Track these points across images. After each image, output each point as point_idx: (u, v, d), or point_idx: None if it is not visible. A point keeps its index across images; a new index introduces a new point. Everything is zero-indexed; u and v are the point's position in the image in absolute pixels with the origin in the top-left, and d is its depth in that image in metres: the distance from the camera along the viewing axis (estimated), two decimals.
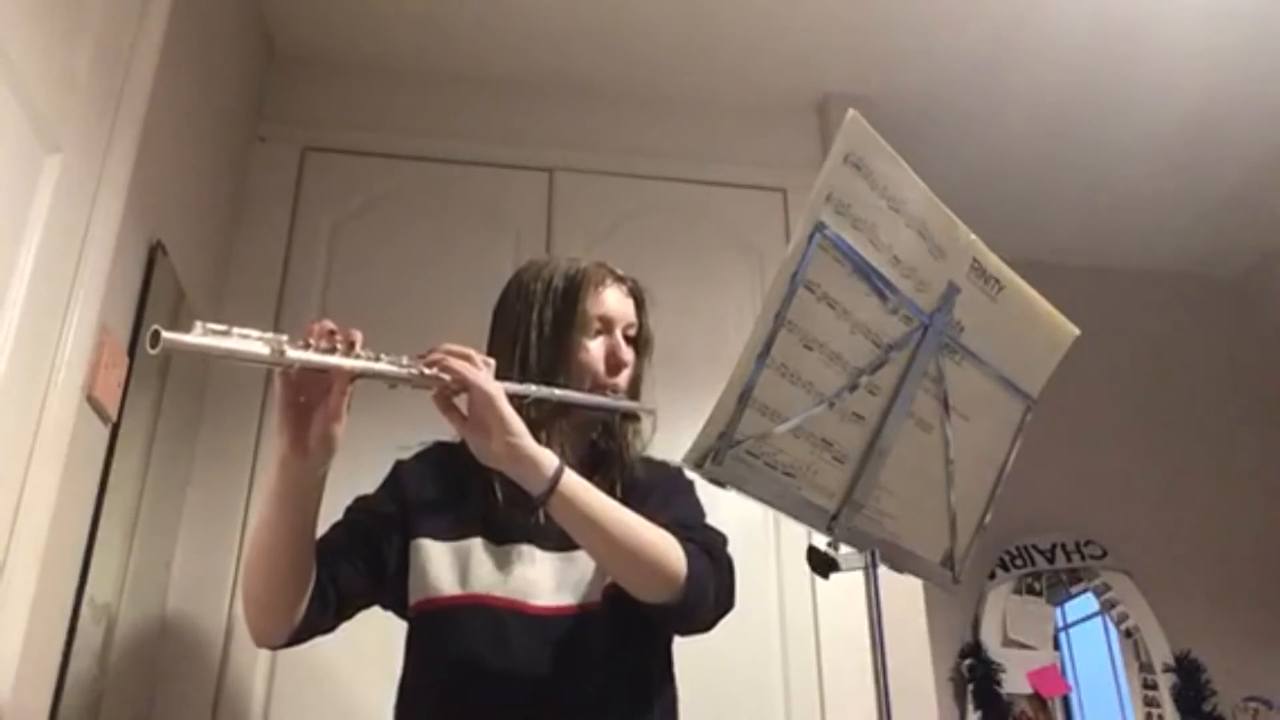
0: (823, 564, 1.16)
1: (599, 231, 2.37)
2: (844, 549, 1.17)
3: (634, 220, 2.41)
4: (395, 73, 2.45)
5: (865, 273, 1.12)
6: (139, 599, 1.74)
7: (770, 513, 1.92)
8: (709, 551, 1.18)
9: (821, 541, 1.17)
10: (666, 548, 1.12)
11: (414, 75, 2.46)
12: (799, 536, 1.27)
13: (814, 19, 2.34)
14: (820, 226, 1.07)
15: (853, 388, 1.14)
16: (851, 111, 1.10)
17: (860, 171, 1.10)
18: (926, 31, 2.38)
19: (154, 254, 1.69)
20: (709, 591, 1.16)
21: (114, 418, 1.56)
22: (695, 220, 2.45)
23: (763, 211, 2.48)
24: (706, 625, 1.20)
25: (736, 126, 2.57)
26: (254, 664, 1.89)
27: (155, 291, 1.68)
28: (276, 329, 2.33)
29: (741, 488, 1.07)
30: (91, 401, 1.47)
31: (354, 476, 1.31)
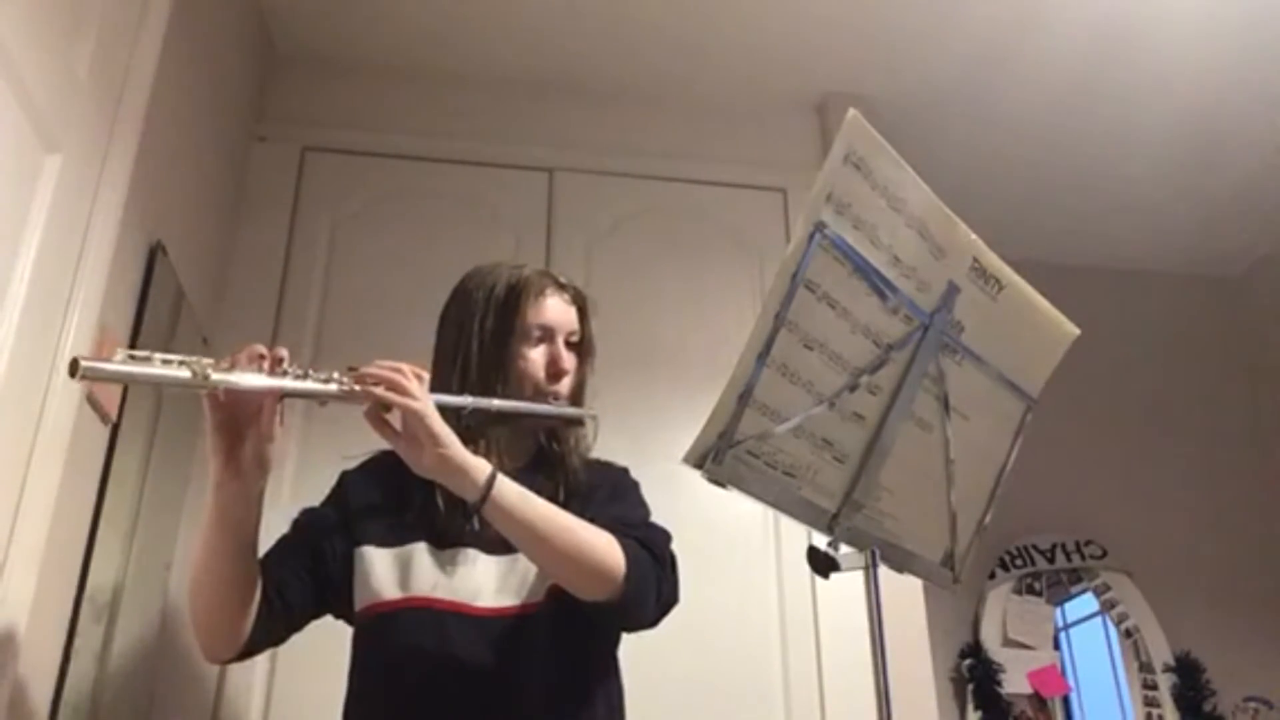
0: (823, 564, 1.16)
1: (599, 231, 2.37)
2: (844, 549, 1.17)
3: (634, 220, 2.41)
4: (395, 73, 2.45)
5: (865, 272, 1.12)
6: (139, 599, 1.74)
7: (770, 513, 1.92)
8: (649, 548, 1.19)
9: (821, 541, 1.17)
10: (604, 547, 1.13)
11: (414, 75, 2.46)
12: (799, 536, 1.27)
13: (814, 19, 2.34)
14: (820, 226, 1.08)
15: (853, 388, 1.14)
16: (851, 111, 1.10)
17: (860, 171, 1.10)
18: (926, 32, 2.38)
19: (154, 254, 1.69)
20: (649, 589, 1.16)
21: (114, 418, 1.56)
22: (695, 220, 2.45)
23: (763, 211, 2.48)
24: (650, 623, 1.20)
25: (736, 126, 2.57)
26: (254, 664, 1.88)
27: (155, 291, 1.68)
28: (276, 329, 2.34)
29: (741, 488, 1.07)
30: (91, 401, 1.47)
31: (305, 489, 1.31)
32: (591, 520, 1.16)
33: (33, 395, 1.32)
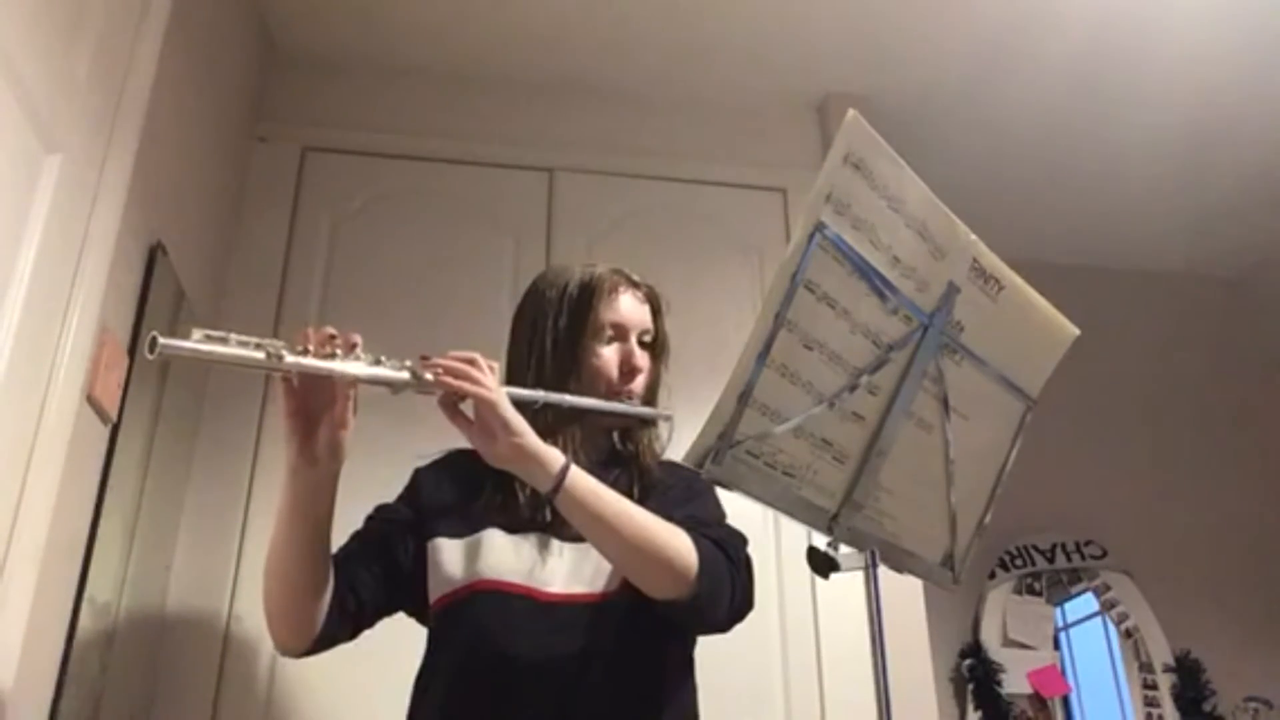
0: (823, 564, 1.16)
1: (599, 231, 2.37)
2: (844, 549, 1.17)
3: (634, 220, 2.41)
4: (395, 73, 2.45)
5: (865, 273, 1.12)
6: (139, 598, 1.74)
7: (770, 513, 1.92)
8: (724, 549, 1.17)
9: (821, 541, 1.17)
10: (678, 544, 1.11)
11: (414, 75, 2.46)
12: (799, 536, 1.26)
13: (813, 19, 2.34)
14: (820, 226, 1.07)
15: (853, 388, 1.14)
16: (851, 111, 1.10)
17: (860, 171, 1.10)
18: (926, 32, 2.38)
19: (154, 254, 1.69)
20: (722, 589, 1.15)
21: (114, 418, 1.56)
22: (695, 220, 2.45)
23: (763, 211, 2.48)
24: (722, 625, 1.19)
25: (736, 126, 2.57)
26: (254, 664, 1.89)
27: (155, 291, 1.68)
28: (276, 329, 2.34)
29: (741, 488, 1.07)
30: (91, 402, 1.47)
31: (378, 485, 1.32)
32: (668, 519, 1.14)
33: (33, 395, 1.32)
